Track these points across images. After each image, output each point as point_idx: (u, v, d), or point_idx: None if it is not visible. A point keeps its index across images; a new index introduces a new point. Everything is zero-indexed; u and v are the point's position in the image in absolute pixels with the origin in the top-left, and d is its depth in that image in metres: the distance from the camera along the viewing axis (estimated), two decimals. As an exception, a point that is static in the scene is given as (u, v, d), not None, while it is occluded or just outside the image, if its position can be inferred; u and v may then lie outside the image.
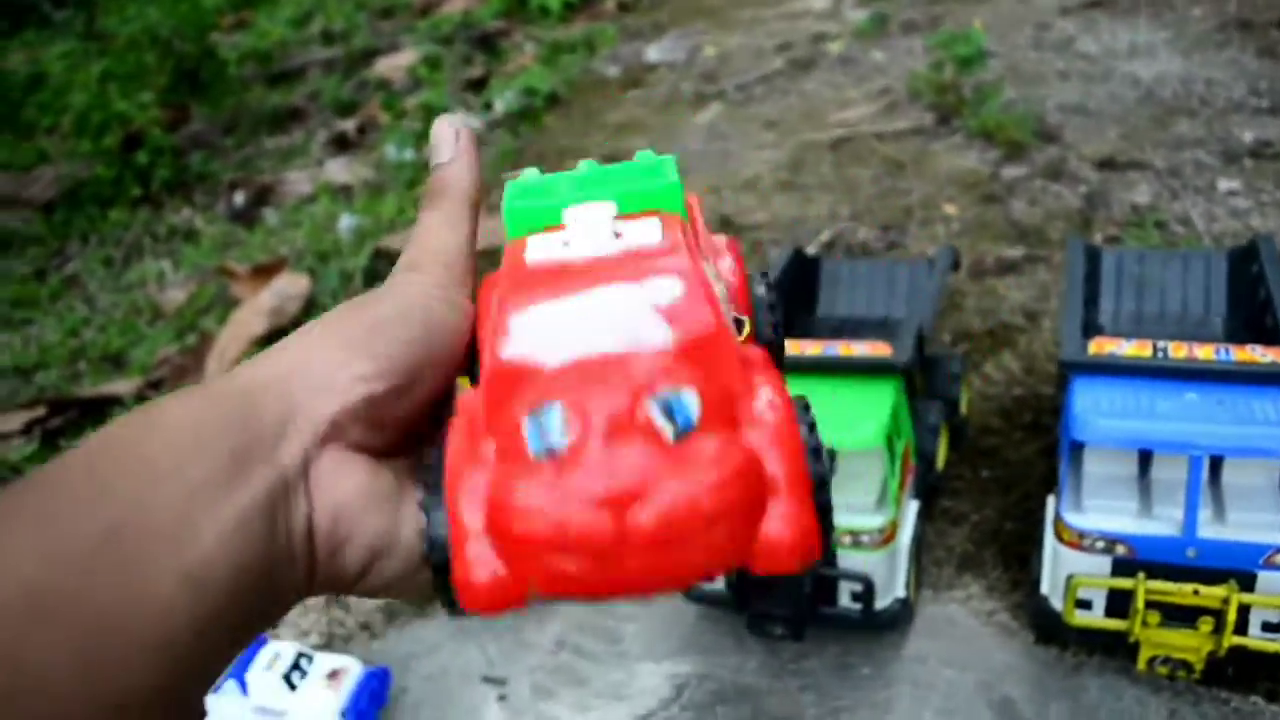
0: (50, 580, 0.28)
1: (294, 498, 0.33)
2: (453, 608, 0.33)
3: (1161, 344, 1.15)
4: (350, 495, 0.34)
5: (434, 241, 0.41)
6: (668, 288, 0.32)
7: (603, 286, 0.33)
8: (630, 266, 0.33)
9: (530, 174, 0.40)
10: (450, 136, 0.43)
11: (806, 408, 0.33)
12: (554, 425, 0.30)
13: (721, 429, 0.30)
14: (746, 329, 0.39)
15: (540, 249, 0.36)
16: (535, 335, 0.32)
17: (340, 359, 0.35)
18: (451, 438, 0.33)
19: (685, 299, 0.32)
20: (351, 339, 0.36)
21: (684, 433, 0.30)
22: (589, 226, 0.35)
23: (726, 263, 0.41)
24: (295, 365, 0.35)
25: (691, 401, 0.30)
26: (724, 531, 0.30)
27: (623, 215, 0.37)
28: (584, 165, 0.40)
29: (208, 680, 0.32)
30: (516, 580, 0.31)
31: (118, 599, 0.28)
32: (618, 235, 0.35)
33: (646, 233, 0.35)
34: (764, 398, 0.32)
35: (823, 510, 0.32)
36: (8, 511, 0.29)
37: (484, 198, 0.43)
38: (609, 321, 0.32)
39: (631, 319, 0.32)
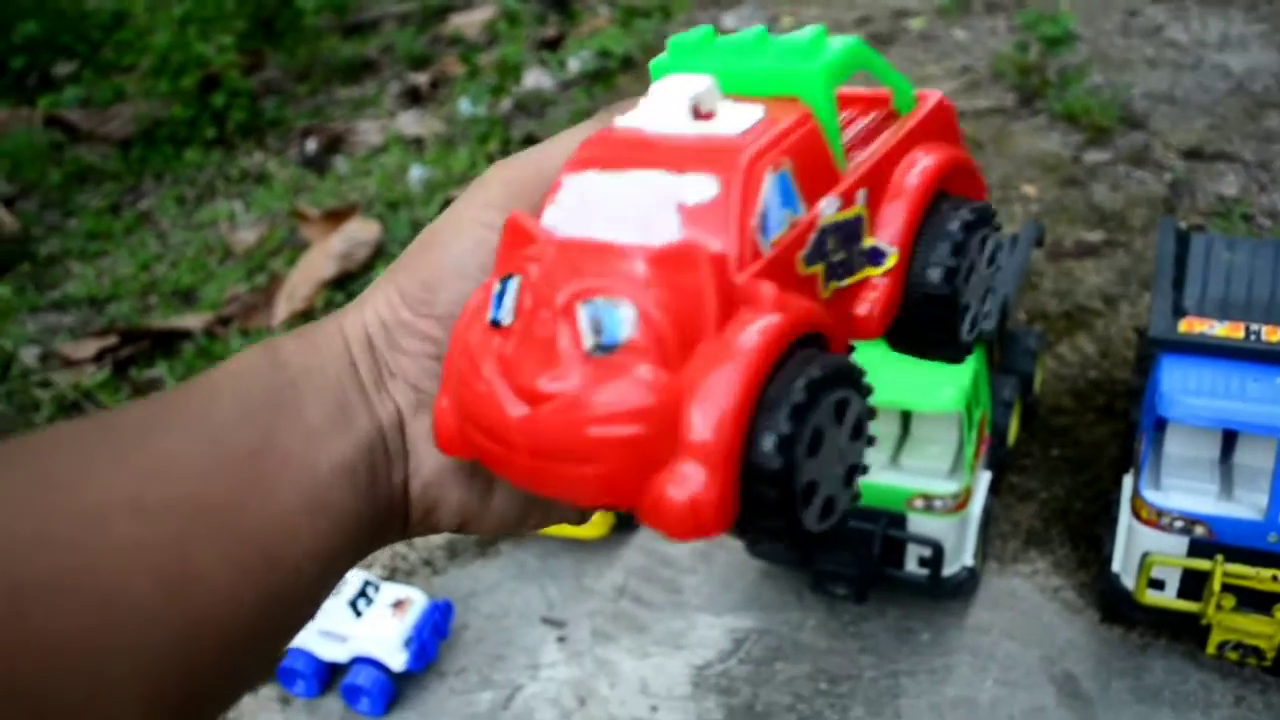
0: (209, 491, 0.30)
1: (393, 456, 0.35)
2: None
3: (1255, 327, 1.12)
4: (439, 464, 0.36)
5: (553, 153, 0.37)
6: (702, 187, 0.30)
7: (646, 170, 0.31)
8: (681, 152, 0.31)
9: (697, 32, 0.36)
10: None
11: (818, 383, 0.28)
12: (506, 300, 0.30)
13: (654, 359, 0.27)
14: (890, 261, 0.34)
15: (633, 116, 0.34)
16: (573, 203, 0.32)
17: (406, 318, 0.36)
18: (493, 275, 0.33)
19: (713, 204, 0.29)
20: (408, 296, 0.36)
21: (607, 348, 0.27)
22: (668, 100, 0.32)
23: (926, 161, 0.35)
24: (373, 324, 0.36)
25: (625, 319, 0.27)
26: (606, 464, 0.27)
27: (742, 96, 0.33)
28: (753, 31, 0.36)
29: (313, 604, 0.33)
30: (464, 434, 0.32)
31: (258, 517, 0.30)
32: (706, 115, 0.32)
33: (738, 119, 0.31)
34: (734, 345, 0.27)
35: (762, 504, 0.27)
36: (172, 411, 0.32)
37: None
38: (633, 208, 0.30)
39: (653, 211, 0.30)
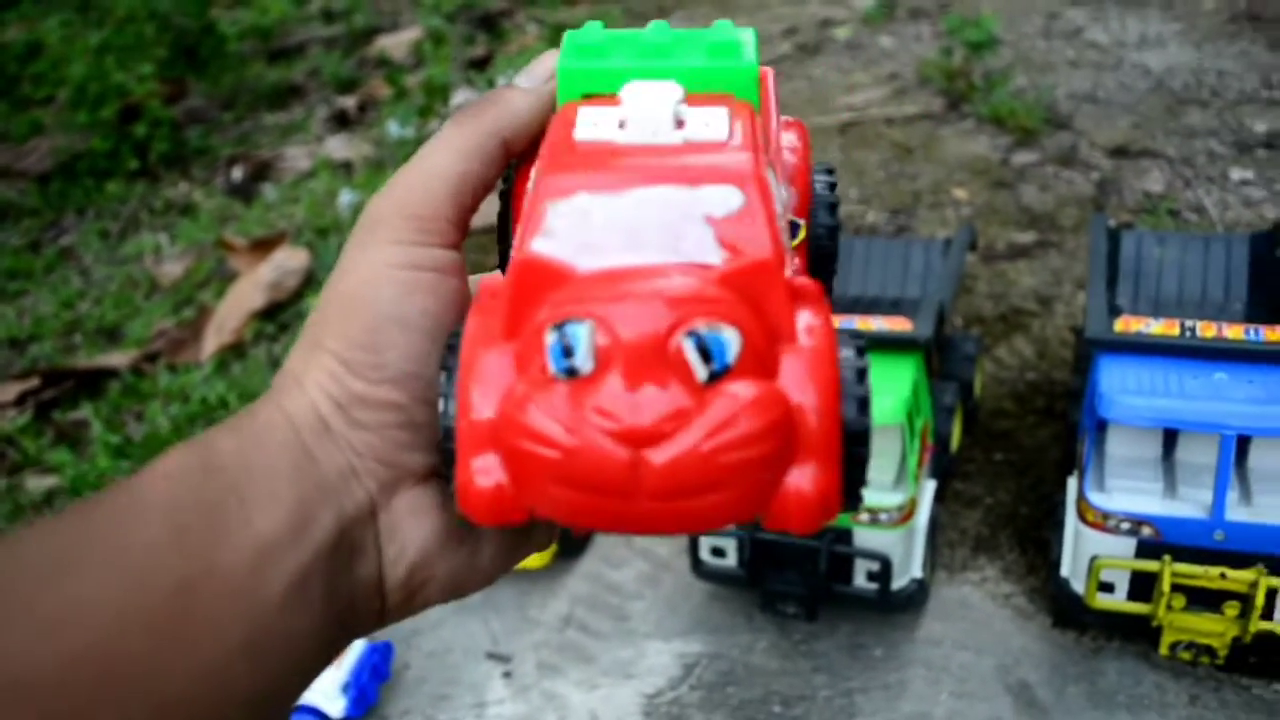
0: (122, 644, 0.25)
1: (359, 551, 0.31)
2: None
3: (1189, 323, 1.12)
4: (426, 540, 0.33)
5: (433, 168, 0.35)
6: (725, 198, 0.29)
7: (654, 186, 0.29)
8: (688, 165, 0.30)
9: (592, 28, 0.35)
10: (545, 70, 0.36)
11: (860, 351, 0.30)
12: (580, 346, 0.27)
13: (759, 375, 0.28)
14: (802, 233, 0.36)
15: (591, 125, 0.31)
16: (572, 231, 0.29)
17: (359, 390, 0.32)
18: (470, 322, 0.31)
19: (743, 214, 0.29)
20: (360, 366, 0.32)
21: (718, 374, 0.27)
22: (649, 109, 0.30)
23: (789, 137, 0.37)
24: (323, 404, 0.32)
25: (731, 341, 0.27)
26: (742, 486, 0.27)
27: (689, 97, 0.32)
28: (654, 26, 0.35)
29: None
30: (520, 497, 0.29)
31: (183, 669, 0.26)
32: (680, 124, 0.31)
33: (712, 125, 0.31)
34: (809, 340, 0.29)
35: (857, 464, 0.29)
36: (89, 540, 0.27)
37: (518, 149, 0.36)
38: (655, 228, 0.29)
39: (680, 229, 0.29)
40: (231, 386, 1.92)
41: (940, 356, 1.37)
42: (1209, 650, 1.09)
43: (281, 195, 2.73)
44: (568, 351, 0.27)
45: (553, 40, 3.16)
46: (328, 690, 1.13)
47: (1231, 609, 1.05)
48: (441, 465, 0.31)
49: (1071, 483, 1.17)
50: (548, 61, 0.36)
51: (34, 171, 3.08)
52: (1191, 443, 1.12)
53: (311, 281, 2.23)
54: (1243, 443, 1.10)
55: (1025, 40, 2.63)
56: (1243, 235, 1.43)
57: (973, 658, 1.17)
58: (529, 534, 0.36)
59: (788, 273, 0.30)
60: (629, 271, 0.28)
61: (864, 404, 0.29)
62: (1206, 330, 1.11)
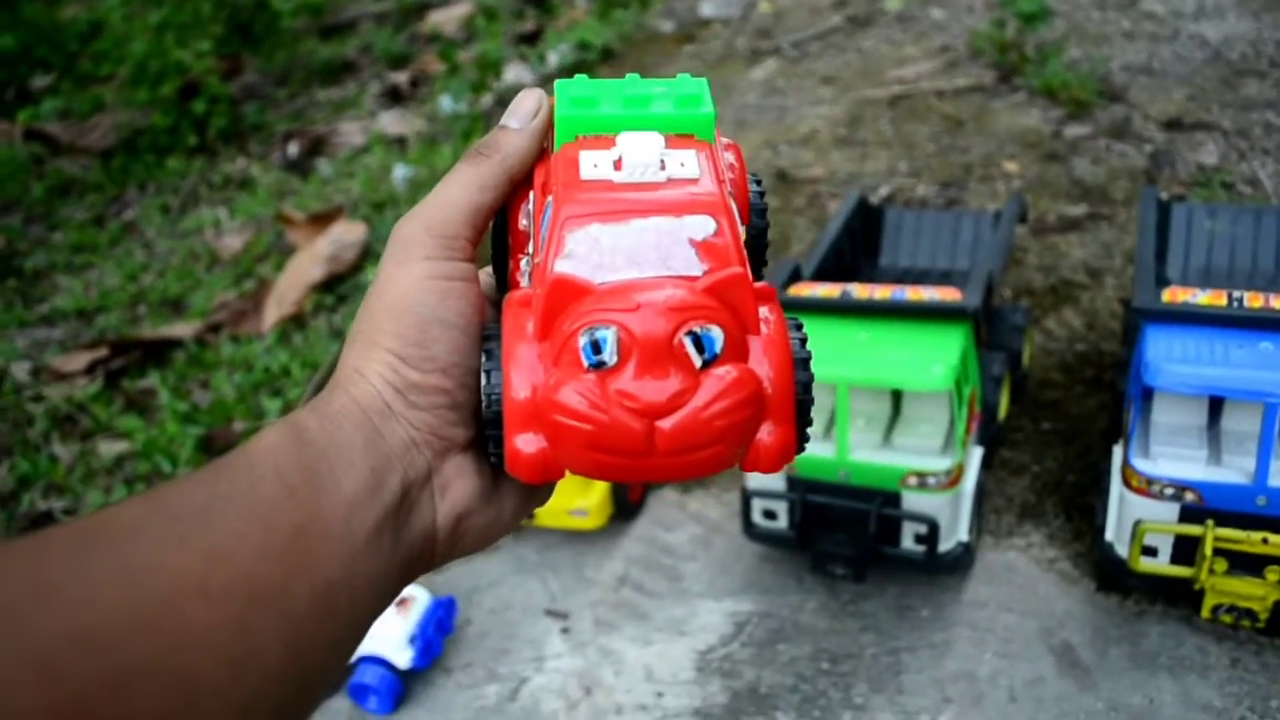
0: (262, 572, 0.31)
1: (420, 506, 0.38)
2: (500, 464, 0.39)
3: (1237, 294, 1.14)
4: (469, 497, 0.40)
5: (451, 199, 0.41)
6: (703, 224, 0.37)
7: (648, 217, 0.38)
8: (673, 200, 0.38)
9: (580, 80, 0.43)
10: (529, 108, 0.43)
11: (799, 326, 0.39)
12: (608, 345, 0.36)
13: (737, 358, 0.36)
14: (742, 234, 0.44)
15: (592, 167, 0.39)
16: (587, 254, 0.37)
17: (414, 378, 0.39)
18: (506, 323, 0.39)
19: (716, 236, 0.37)
20: (413, 359, 0.39)
21: (709, 362, 0.36)
22: (642, 155, 0.39)
23: (728, 157, 0.44)
24: (385, 390, 0.39)
25: (718, 337, 0.36)
26: (730, 441, 0.36)
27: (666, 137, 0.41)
28: (630, 79, 0.43)
29: (343, 670, 0.35)
30: (559, 459, 0.38)
31: (303, 593, 0.32)
32: (663, 165, 0.39)
33: (687, 165, 0.39)
34: (768, 330, 0.38)
35: (804, 410, 0.38)
36: (222, 492, 0.33)
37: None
38: (651, 249, 0.37)
39: (670, 249, 0.37)
40: (293, 356, 1.98)
41: (989, 327, 1.39)
42: (1250, 614, 1.11)
43: (337, 170, 2.79)
44: (597, 349, 0.35)
45: (601, 14, 3.19)
46: (396, 642, 1.19)
47: (1273, 573, 1.07)
48: (485, 428, 0.39)
49: (1117, 450, 1.19)
50: (529, 101, 0.44)
51: (97, 148, 3.17)
52: (1236, 411, 1.14)
53: (369, 253, 2.29)
54: (1288, 411, 1.12)
55: (1079, 11, 2.61)
56: (1295, 207, 1.43)
57: (1017, 620, 1.20)
58: (536, 492, 0.44)
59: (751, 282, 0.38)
60: (635, 284, 0.37)
61: (805, 364, 0.38)
62: (1254, 301, 1.13)
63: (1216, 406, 1.16)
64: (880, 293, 1.22)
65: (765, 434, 0.37)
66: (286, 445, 0.35)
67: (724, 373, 0.36)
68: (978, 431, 1.27)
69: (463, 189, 0.42)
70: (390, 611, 1.22)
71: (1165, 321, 1.14)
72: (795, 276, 1.31)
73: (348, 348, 0.41)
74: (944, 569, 1.19)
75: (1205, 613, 1.13)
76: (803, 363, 0.38)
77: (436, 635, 1.23)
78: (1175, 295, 1.16)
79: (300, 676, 0.32)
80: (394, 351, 0.39)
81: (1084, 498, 1.32)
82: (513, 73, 2.98)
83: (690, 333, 0.35)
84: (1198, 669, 1.12)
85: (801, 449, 0.39)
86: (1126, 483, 1.12)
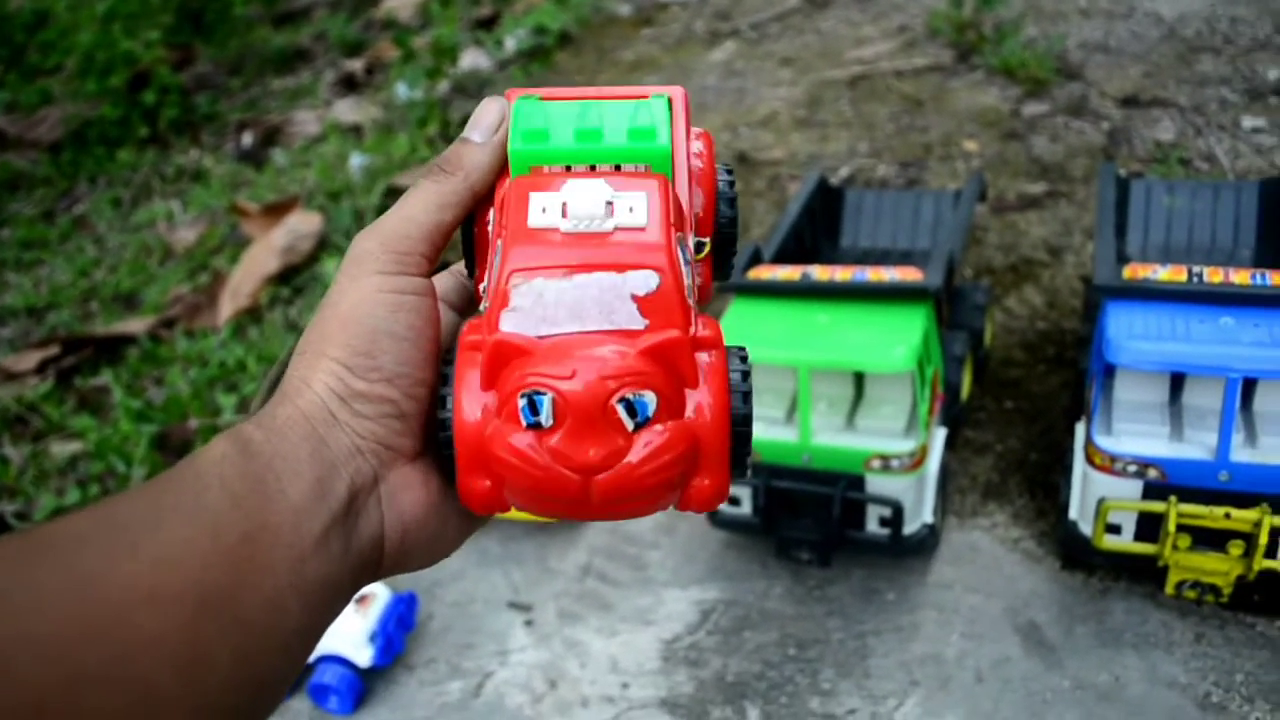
0: (211, 579, 0.32)
1: (366, 514, 0.38)
2: (451, 481, 0.40)
3: (1196, 269, 1.13)
4: (415, 509, 0.40)
5: (411, 216, 0.42)
6: (646, 280, 0.38)
7: (592, 272, 0.38)
8: (617, 254, 0.38)
9: (534, 104, 0.42)
10: (491, 120, 0.43)
11: (743, 358, 0.40)
12: (544, 410, 0.37)
13: (671, 415, 0.37)
14: (707, 248, 0.43)
15: (540, 213, 0.39)
16: (531, 308, 0.38)
17: (361, 388, 0.39)
18: (459, 360, 0.40)
19: (659, 292, 0.38)
20: (360, 369, 0.40)
21: (641, 425, 0.37)
22: (586, 205, 0.39)
23: (697, 146, 0.44)
24: (330, 400, 0.39)
25: (650, 402, 0.37)
26: (661, 493, 0.38)
27: (617, 172, 0.41)
28: (586, 104, 0.43)
29: (295, 676, 0.36)
30: (504, 497, 0.39)
31: (254, 603, 0.33)
32: (610, 207, 0.39)
33: (635, 210, 0.39)
34: (705, 382, 0.38)
35: (743, 441, 0.39)
36: (170, 502, 0.33)
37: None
38: (594, 304, 0.38)
39: (613, 305, 0.38)
40: (249, 350, 1.95)
41: (950, 306, 1.38)
42: (1214, 589, 1.11)
43: (292, 160, 2.74)
44: (534, 410, 0.37)
45: (559, -1, 3.15)
46: (356, 640, 1.17)
47: (1236, 548, 1.07)
48: (439, 446, 0.40)
49: (1080, 428, 1.19)
50: (491, 113, 0.43)
51: (45, 141, 3.10)
52: (1198, 387, 1.14)
53: (325, 245, 2.25)
54: (1248, 386, 1.12)
55: (1035, -11, 2.61)
56: (1253, 182, 1.43)
57: (982, 600, 1.20)
58: (481, 518, 0.44)
59: (690, 298, 0.39)
60: (574, 342, 0.37)
61: (746, 397, 0.39)
62: (1214, 275, 1.12)
63: (1178, 383, 1.16)
64: (841, 274, 1.20)
65: (701, 480, 0.39)
66: (232, 457, 0.35)
67: (657, 433, 0.37)
68: (941, 412, 1.27)
69: (423, 207, 0.42)
70: (349, 609, 1.20)
71: (1126, 298, 1.13)
72: (755, 259, 1.29)
73: (296, 359, 0.41)
74: (909, 551, 1.19)
75: (1169, 589, 1.13)
76: (742, 397, 0.39)
77: (397, 632, 1.21)
78: (1135, 272, 1.15)
79: (252, 681, 0.32)
80: (341, 361, 0.39)
81: (1047, 476, 1.32)
82: (469, 58, 2.94)
83: (623, 399, 0.36)
84: (1162, 645, 1.12)
85: (739, 475, 0.40)
86: (1089, 460, 1.12)
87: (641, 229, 0.39)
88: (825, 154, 2.09)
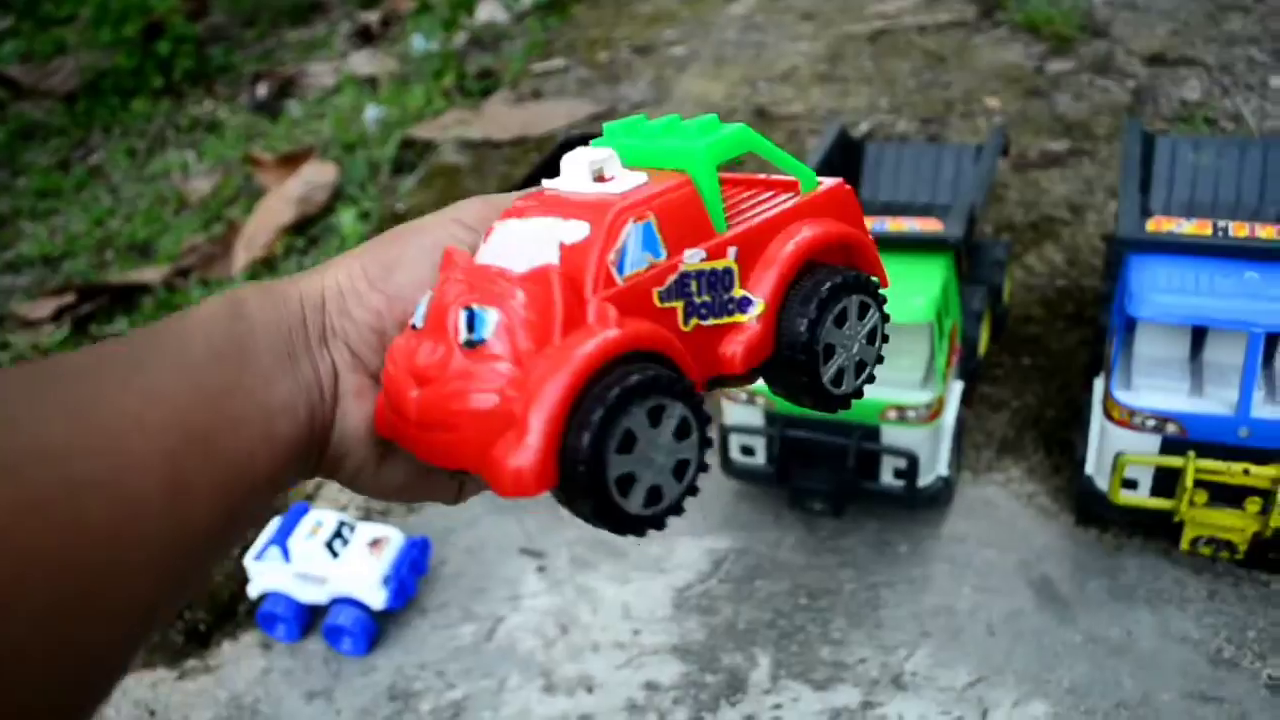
0: (193, 420, 0.34)
1: (325, 402, 0.40)
2: None
3: (1221, 223, 1.12)
4: (356, 428, 0.41)
5: (510, 197, 0.44)
6: (577, 229, 0.37)
7: (543, 218, 0.39)
8: (575, 207, 0.38)
9: (631, 119, 0.44)
10: None
11: (653, 380, 0.35)
12: (420, 309, 0.38)
13: (508, 354, 0.35)
14: (758, 309, 0.40)
15: (554, 181, 0.41)
16: (494, 242, 0.39)
17: (361, 289, 0.41)
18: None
19: (584, 242, 0.37)
20: (370, 273, 0.41)
21: (474, 343, 0.35)
22: (576, 168, 0.40)
23: (806, 233, 0.42)
24: (328, 286, 0.41)
25: (489, 320, 0.35)
26: (461, 433, 0.35)
27: (645, 168, 0.41)
28: (666, 117, 0.44)
29: (259, 519, 0.40)
30: (390, 422, 0.39)
31: (229, 445, 0.35)
32: (605, 178, 0.40)
33: (627, 183, 0.39)
34: (572, 344, 0.34)
35: (587, 479, 0.33)
36: (153, 350, 0.36)
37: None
38: (529, 244, 0.38)
39: (540, 246, 0.37)
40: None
41: (970, 261, 1.37)
42: (1229, 545, 1.10)
43: (306, 111, 2.72)
44: (418, 311, 0.38)
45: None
46: (370, 583, 1.17)
47: (1254, 504, 1.07)
48: None
49: (1098, 383, 1.18)
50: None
51: (60, 91, 3.09)
52: (1219, 342, 1.12)
53: (340, 195, 2.24)
54: (1270, 342, 1.11)
55: (1061, -54, 2.57)
56: (1278, 140, 1.41)
57: (996, 554, 1.19)
58: (430, 482, 0.44)
59: (597, 296, 0.36)
60: (488, 268, 0.38)
61: (595, 439, 0.33)
62: (1239, 230, 1.11)
63: (1199, 338, 1.14)
64: (860, 224, 1.19)
65: (501, 449, 0.34)
66: (220, 318, 0.38)
67: (477, 356, 0.35)
68: (958, 366, 1.26)
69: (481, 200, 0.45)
70: (363, 552, 1.20)
71: (1149, 251, 1.12)
72: (773, 209, 1.28)
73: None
74: (923, 504, 1.18)
75: (1185, 545, 1.12)
76: (598, 421, 0.33)
77: (410, 576, 1.21)
78: (1160, 225, 1.14)
79: (227, 512, 0.35)
80: (361, 262, 0.42)
81: (1063, 432, 1.31)
82: (486, 10, 2.91)
83: (465, 309, 0.36)
84: (1176, 601, 1.12)
85: (571, 504, 0.35)
86: (1108, 414, 1.11)
87: (612, 194, 0.38)
88: (845, 109, 2.07)
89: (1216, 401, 1.08)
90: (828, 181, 0.44)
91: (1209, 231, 1.11)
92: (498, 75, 2.59)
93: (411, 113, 2.49)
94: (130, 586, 0.31)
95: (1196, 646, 1.08)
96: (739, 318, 0.40)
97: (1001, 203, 1.71)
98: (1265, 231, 1.10)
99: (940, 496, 1.19)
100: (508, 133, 2.29)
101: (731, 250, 0.40)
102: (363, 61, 2.93)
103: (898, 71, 2.16)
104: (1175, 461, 1.07)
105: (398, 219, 2.09)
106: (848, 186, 0.44)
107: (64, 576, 0.29)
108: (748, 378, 0.42)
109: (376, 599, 1.18)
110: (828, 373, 0.42)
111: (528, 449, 0.33)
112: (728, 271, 0.40)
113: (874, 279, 0.44)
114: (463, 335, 0.35)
